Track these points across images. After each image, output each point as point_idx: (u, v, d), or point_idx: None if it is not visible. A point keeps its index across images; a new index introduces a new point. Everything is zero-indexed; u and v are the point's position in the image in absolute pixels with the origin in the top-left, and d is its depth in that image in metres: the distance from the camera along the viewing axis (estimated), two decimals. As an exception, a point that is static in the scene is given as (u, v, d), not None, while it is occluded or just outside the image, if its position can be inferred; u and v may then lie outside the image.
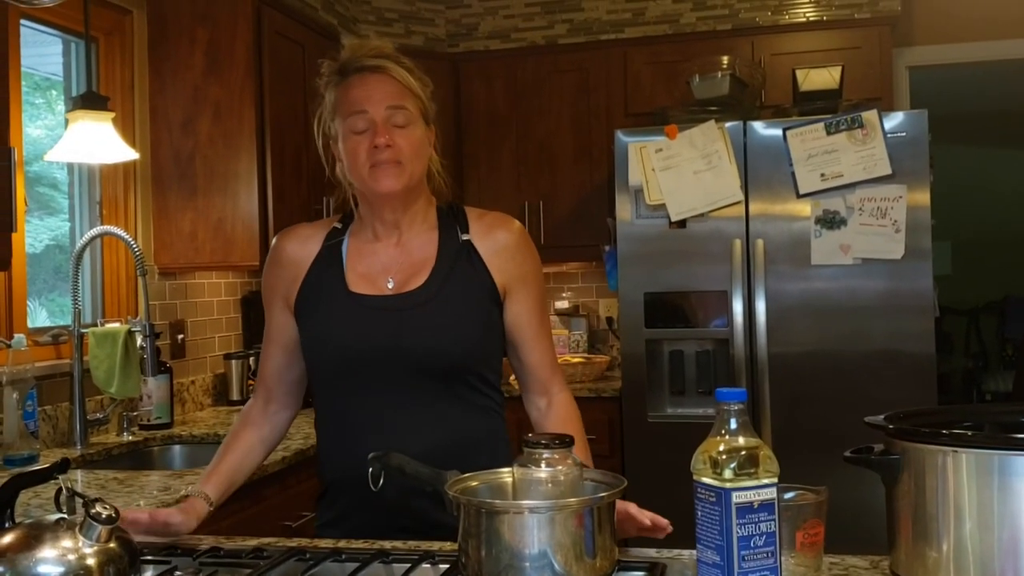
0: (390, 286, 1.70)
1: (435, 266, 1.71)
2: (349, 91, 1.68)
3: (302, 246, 1.77)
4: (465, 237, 1.74)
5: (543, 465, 1.29)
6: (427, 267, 1.71)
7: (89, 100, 2.85)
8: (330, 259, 1.74)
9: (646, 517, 1.48)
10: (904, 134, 3.54)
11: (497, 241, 1.75)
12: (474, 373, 1.71)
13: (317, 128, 1.74)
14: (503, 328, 1.76)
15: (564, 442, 1.30)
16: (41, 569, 1.16)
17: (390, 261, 1.73)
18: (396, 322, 1.67)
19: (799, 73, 3.88)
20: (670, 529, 1.47)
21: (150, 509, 1.61)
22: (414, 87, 1.70)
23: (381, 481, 1.48)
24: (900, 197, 3.52)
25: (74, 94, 3.04)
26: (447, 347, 1.66)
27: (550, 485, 1.29)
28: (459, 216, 1.77)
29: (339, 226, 1.78)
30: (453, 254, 1.72)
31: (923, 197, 3.53)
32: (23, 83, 2.96)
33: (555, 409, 1.78)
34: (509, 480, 1.35)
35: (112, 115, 2.90)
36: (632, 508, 1.48)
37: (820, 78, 3.84)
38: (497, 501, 1.29)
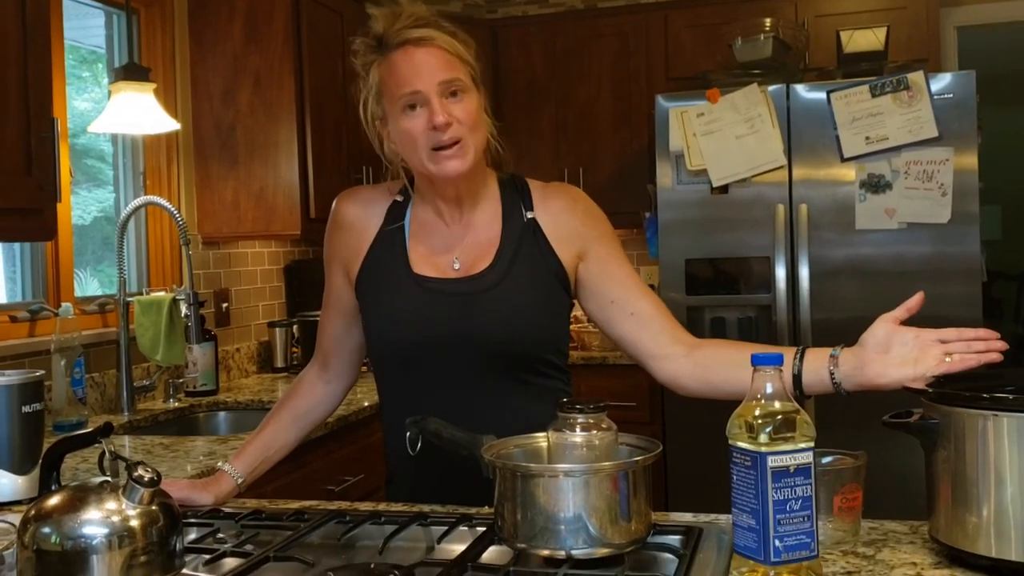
0: (456, 267, 1.63)
1: (500, 246, 1.63)
2: (394, 69, 1.54)
3: (363, 211, 1.69)
4: (530, 215, 1.65)
5: (578, 429, 1.29)
6: (492, 247, 1.63)
7: (131, 71, 2.88)
8: (392, 236, 1.66)
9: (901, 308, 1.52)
10: (951, 96, 3.47)
11: (557, 213, 1.66)
12: (541, 359, 1.65)
13: (364, 113, 1.61)
14: (570, 310, 1.70)
15: (599, 407, 1.30)
16: (86, 530, 1.19)
17: (454, 240, 1.65)
18: (462, 307, 1.59)
19: (843, 34, 3.80)
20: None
21: (170, 480, 1.51)
22: (462, 53, 1.57)
23: (419, 445, 1.49)
24: (947, 160, 3.46)
25: (116, 66, 3.08)
26: (515, 334, 1.60)
27: (585, 449, 1.29)
28: (523, 191, 1.68)
29: (400, 199, 1.68)
30: (518, 234, 1.64)
31: (971, 160, 3.46)
32: (70, 56, 2.99)
33: (704, 344, 1.64)
34: (544, 445, 1.35)
35: (154, 86, 2.93)
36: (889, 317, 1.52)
37: (865, 39, 3.77)
38: (532, 465, 1.30)
